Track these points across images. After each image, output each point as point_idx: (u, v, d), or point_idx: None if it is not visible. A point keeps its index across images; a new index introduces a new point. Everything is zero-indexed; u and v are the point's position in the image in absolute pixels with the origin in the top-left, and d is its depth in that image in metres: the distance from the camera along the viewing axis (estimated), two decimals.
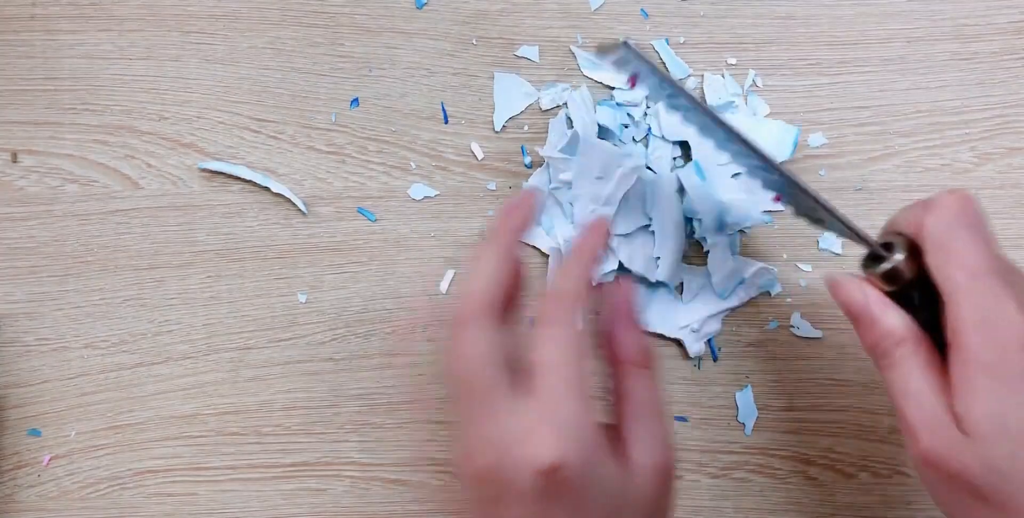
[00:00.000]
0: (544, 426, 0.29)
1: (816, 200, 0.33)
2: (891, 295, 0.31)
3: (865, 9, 0.44)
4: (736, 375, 0.43)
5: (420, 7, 0.43)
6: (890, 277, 0.31)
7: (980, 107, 0.43)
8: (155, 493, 0.42)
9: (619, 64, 0.34)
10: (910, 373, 0.30)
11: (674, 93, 0.34)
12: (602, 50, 0.34)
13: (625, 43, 0.31)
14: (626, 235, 0.42)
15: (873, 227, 0.43)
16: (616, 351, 0.34)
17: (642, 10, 0.43)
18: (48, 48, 0.43)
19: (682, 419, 0.43)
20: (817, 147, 0.43)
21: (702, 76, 0.43)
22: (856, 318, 0.32)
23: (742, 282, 0.42)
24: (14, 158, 0.43)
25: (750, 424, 0.43)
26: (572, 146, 0.41)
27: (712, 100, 0.43)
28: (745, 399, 0.43)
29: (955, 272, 0.29)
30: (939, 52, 0.44)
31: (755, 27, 0.43)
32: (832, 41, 0.44)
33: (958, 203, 0.30)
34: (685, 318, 0.42)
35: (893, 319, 0.30)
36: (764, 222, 0.43)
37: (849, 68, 0.43)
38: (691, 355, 0.42)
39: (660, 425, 0.33)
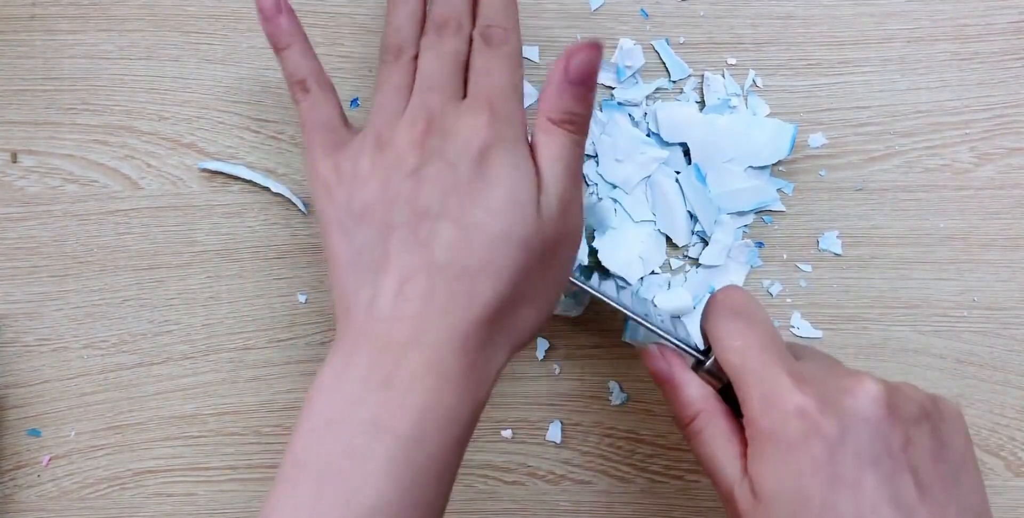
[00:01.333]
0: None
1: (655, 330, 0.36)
2: (724, 391, 0.34)
3: (865, 9, 0.44)
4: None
5: None
6: (713, 375, 0.34)
7: (980, 107, 0.43)
8: (155, 493, 0.42)
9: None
10: (711, 441, 0.33)
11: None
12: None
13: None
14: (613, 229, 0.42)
15: (875, 227, 0.43)
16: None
17: (642, 10, 0.43)
18: (48, 48, 0.43)
19: None
20: (817, 147, 0.43)
21: (702, 76, 0.43)
22: (662, 386, 0.35)
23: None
24: (14, 158, 0.43)
25: None
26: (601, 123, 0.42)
27: (711, 100, 0.43)
28: None
29: (729, 357, 0.32)
30: (939, 52, 0.44)
31: (755, 27, 0.43)
32: (832, 41, 0.44)
33: (721, 295, 0.34)
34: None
35: (693, 390, 0.34)
36: (776, 200, 0.43)
37: (849, 68, 0.43)
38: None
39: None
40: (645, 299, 0.41)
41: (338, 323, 0.32)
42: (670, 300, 0.42)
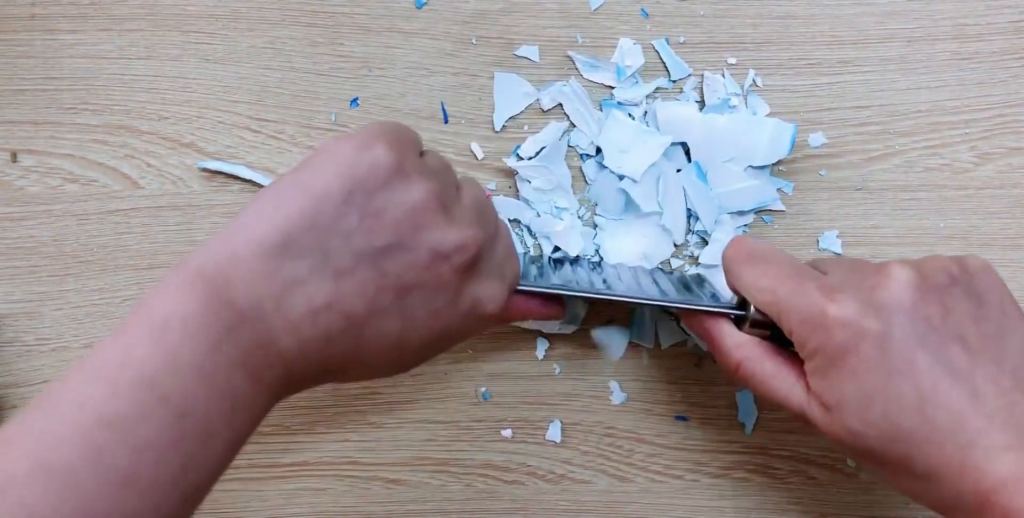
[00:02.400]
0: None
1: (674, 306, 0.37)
2: (773, 339, 0.35)
3: (865, 9, 0.44)
4: None
5: (420, 7, 0.43)
6: (757, 325, 0.35)
7: (980, 107, 0.43)
8: None
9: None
10: (764, 381, 0.34)
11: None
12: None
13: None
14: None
15: (875, 227, 0.43)
16: None
17: (642, 10, 0.43)
18: (48, 48, 0.43)
19: (682, 419, 0.43)
20: (817, 147, 0.43)
21: (702, 76, 0.43)
22: (708, 341, 0.36)
23: None
24: (14, 158, 0.43)
25: (750, 424, 0.43)
26: (549, 155, 0.42)
27: (711, 100, 0.43)
28: (745, 399, 0.43)
29: (760, 298, 0.34)
30: (939, 52, 0.44)
31: (755, 27, 0.43)
32: (832, 41, 0.44)
33: (730, 249, 0.36)
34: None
35: (729, 341, 0.35)
36: (776, 200, 0.43)
37: (849, 68, 0.43)
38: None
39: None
40: (648, 270, 0.41)
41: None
42: None
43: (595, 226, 0.43)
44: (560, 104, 0.43)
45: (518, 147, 0.43)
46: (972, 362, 0.30)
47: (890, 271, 0.31)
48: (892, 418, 0.30)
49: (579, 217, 0.43)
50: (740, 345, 0.35)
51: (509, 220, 0.43)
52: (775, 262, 0.34)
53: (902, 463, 0.30)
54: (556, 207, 0.42)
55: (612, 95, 0.43)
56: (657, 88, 0.43)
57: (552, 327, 0.42)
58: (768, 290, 0.33)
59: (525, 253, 0.42)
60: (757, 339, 0.35)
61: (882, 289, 0.31)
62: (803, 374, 0.33)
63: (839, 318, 0.31)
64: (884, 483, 0.34)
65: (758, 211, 0.43)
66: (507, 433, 0.43)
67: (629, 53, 0.42)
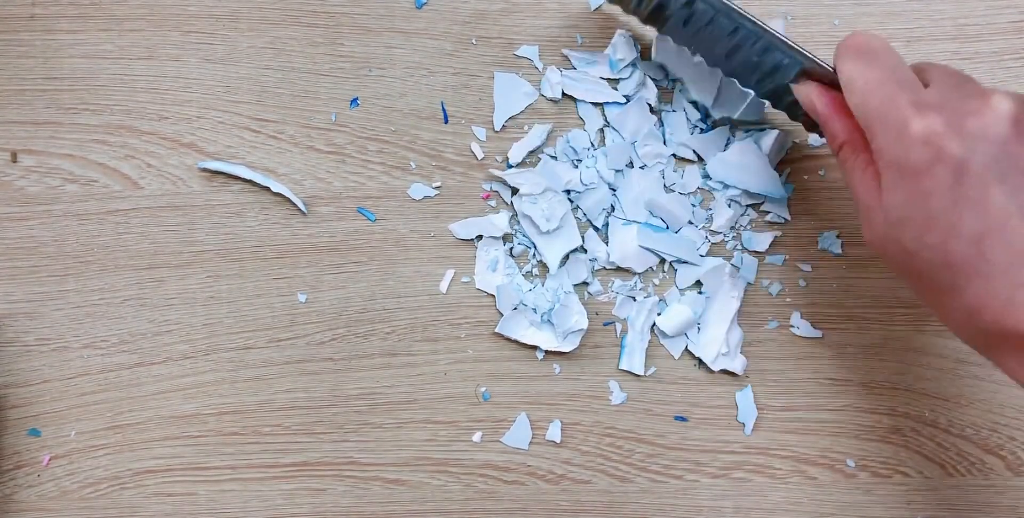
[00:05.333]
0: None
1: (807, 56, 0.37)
2: None
3: (865, 9, 0.44)
4: (736, 375, 0.43)
5: (420, 7, 0.43)
6: None
7: None
8: (155, 493, 0.42)
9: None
10: (853, 172, 0.34)
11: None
12: None
13: None
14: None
15: None
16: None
17: None
18: (48, 48, 0.43)
19: (682, 419, 0.43)
20: (817, 147, 0.43)
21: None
22: (819, 112, 0.36)
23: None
24: (14, 158, 0.43)
25: (750, 424, 0.43)
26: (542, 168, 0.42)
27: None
28: (745, 399, 0.43)
29: (852, 98, 0.33)
30: (939, 52, 0.44)
31: None
32: (832, 41, 0.43)
33: (846, 41, 0.35)
34: (709, 345, 0.42)
35: (837, 123, 0.35)
36: (782, 196, 0.43)
37: None
38: (740, 373, 0.42)
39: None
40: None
41: None
42: (671, 319, 0.42)
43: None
44: (560, 98, 0.43)
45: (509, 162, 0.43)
46: None
47: (991, 100, 0.31)
48: (950, 245, 0.30)
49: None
50: (848, 130, 0.35)
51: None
52: (878, 63, 0.33)
53: (948, 290, 0.30)
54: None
55: (616, 88, 0.43)
56: (659, 87, 0.43)
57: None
58: (860, 92, 0.33)
59: None
60: (860, 134, 0.34)
61: (977, 117, 0.30)
62: (880, 183, 0.32)
63: (923, 135, 0.30)
64: (923, 302, 0.34)
65: (761, 203, 0.43)
66: (476, 438, 0.43)
67: (619, 47, 0.42)
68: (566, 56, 0.43)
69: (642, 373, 0.43)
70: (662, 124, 0.43)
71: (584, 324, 0.42)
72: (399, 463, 0.43)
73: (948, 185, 0.30)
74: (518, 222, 0.43)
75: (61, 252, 0.43)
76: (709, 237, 0.43)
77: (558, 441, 0.43)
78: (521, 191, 0.42)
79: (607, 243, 0.43)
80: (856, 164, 0.34)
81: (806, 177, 0.43)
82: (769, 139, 0.42)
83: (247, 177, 0.43)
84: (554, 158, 0.43)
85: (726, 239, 0.43)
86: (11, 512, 0.42)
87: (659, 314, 0.43)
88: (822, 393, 0.43)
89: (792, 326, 0.43)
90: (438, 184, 0.43)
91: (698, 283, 0.43)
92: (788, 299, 0.43)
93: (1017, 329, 0.29)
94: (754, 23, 0.37)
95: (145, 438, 0.43)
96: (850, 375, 0.43)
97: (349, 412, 0.43)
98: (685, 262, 0.42)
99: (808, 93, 0.37)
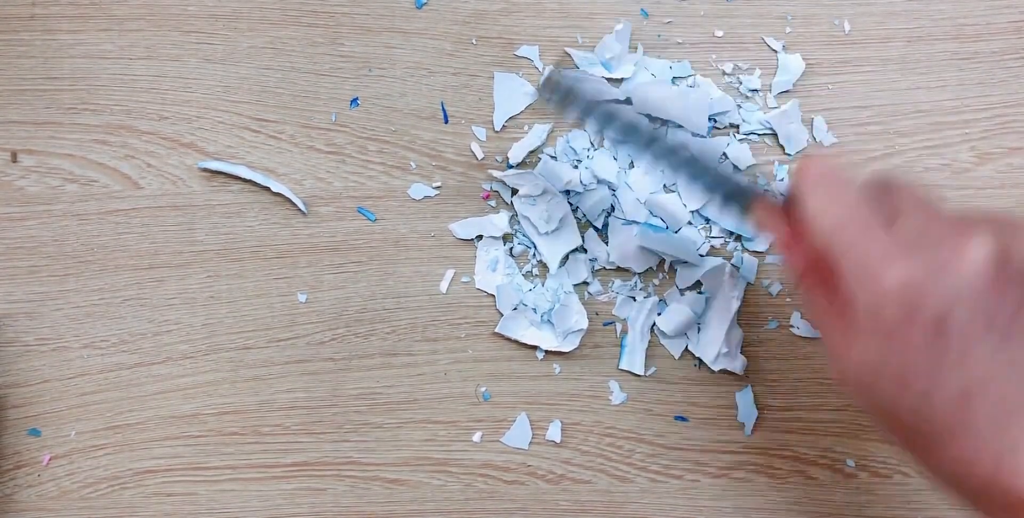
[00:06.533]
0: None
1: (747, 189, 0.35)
2: None
3: (865, 9, 0.44)
4: (736, 375, 0.43)
5: (420, 7, 0.43)
6: None
7: (980, 107, 0.43)
8: (155, 493, 0.42)
9: (558, 102, 0.37)
10: (815, 306, 0.32)
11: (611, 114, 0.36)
12: (542, 91, 0.36)
13: (550, 76, 0.34)
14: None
15: None
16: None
17: (642, 10, 0.43)
18: (48, 48, 0.43)
19: (682, 419, 0.43)
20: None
21: (700, 76, 0.43)
22: (778, 240, 0.34)
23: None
24: (14, 158, 0.43)
25: (750, 424, 0.43)
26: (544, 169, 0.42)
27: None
28: (745, 399, 0.43)
29: (817, 232, 0.30)
30: (939, 52, 0.44)
31: (755, 27, 0.43)
32: (832, 41, 0.44)
33: (801, 168, 0.32)
34: (709, 345, 0.42)
35: (796, 258, 0.33)
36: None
37: (849, 68, 0.43)
38: (740, 373, 0.42)
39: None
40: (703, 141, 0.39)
41: None
42: (671, 319, 0.42)
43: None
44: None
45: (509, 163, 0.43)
46: None
47: (969, 244, 0.28)
48: (930, 403, 0.28)
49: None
50: (812, 261, 0.32)
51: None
52: (844, 200, 0.31)
53: (932, 446, 0.28)
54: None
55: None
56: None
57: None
58: (829, 229, 0.30)
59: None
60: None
61: (955, 264, 0.28)
62: (846, 327, 0.30)
63: (897, 287, 0.28)
64: (908, 457, 0.32)
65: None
66: (476, 438, 0.43)
67: (606, 47, 0.42)
68: (568, 54, 0.43)
69: (642, 373, 0.43)
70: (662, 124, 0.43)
71: (584, 324, 0.42)
72: (399, 463, 0.43)
73: (926, 342, 0.28)
74: (518, 222, 0.43)
75: (61, 252, 0.43)
76: (709, 239, 0.43)
77: (558, 441, 0.43)
78: (520, 193, 0.42)
79: (607, 243, 0.43)
80: (819, 299, 0.32)
81: None
82: None
83: (247, 177, 0.43)
84: (554, 158, 0.43)
85: (726, 239, 0.43)
86: (11, 512, 0.42)
87: (659, 314, 0.43)
88: (822, 393, 0.43)
89: (792, 326, 0.43)
90: (438, 184, 0.43)
91: (698, 283, 0.43)
92: (788, 299, 0.43)
93: (1009, 491, 0.27)
94: (674, 150, 0.35)
95: (145, 438, 0.43)
96: None
97: (349, 412, 0.43)
98: (685, 262, 0.42)
99: (764, 223, 0.34)
